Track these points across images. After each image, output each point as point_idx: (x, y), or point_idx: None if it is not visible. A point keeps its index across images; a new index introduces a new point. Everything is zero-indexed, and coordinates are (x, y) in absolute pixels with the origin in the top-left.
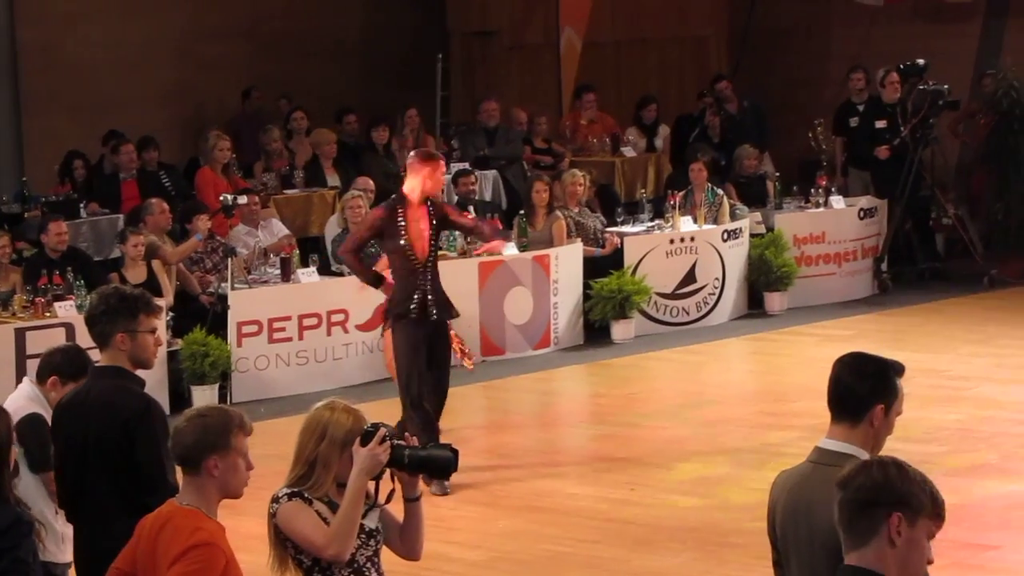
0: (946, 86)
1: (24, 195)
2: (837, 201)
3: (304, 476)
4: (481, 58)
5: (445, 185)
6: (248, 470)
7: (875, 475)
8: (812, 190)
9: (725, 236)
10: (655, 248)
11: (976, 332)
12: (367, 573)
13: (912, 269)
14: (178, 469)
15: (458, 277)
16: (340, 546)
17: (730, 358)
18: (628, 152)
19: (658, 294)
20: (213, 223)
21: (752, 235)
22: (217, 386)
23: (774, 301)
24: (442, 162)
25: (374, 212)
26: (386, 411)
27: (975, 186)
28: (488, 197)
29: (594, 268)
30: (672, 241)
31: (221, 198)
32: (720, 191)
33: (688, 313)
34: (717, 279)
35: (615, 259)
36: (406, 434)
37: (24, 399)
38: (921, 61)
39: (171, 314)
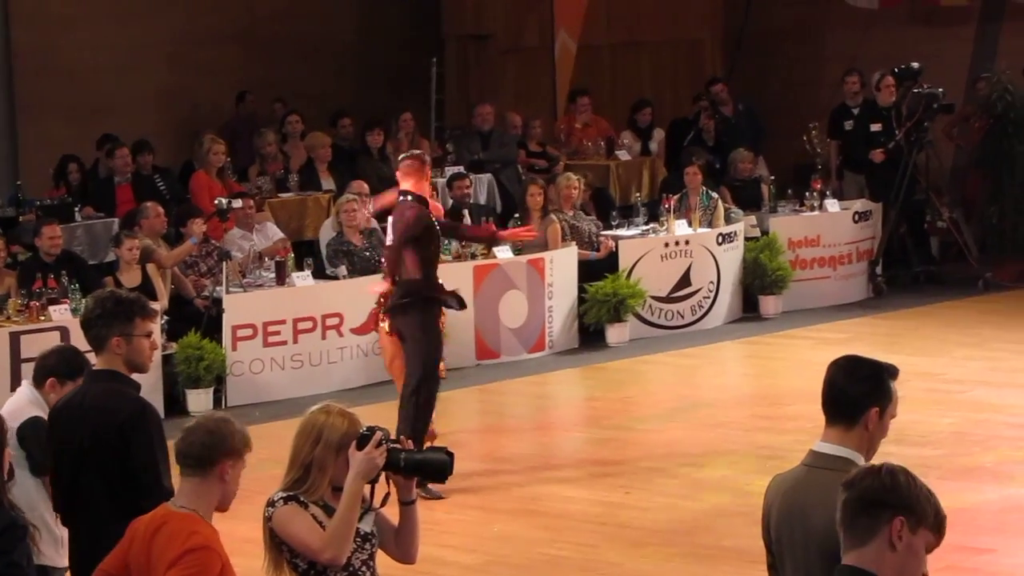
0: (940, 89)
1: (19, 199)
2: (832, 204)
3: (299, 480)
4: (476, 61)
5: (441, 188)
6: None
7: (884, 478)
8: (807, 193)
9: (720, 239)
10: (650, 251)
11: (971, 335)
12: None
13: (907, 272)
14: (174, 473)
15: (453, 280)
16: (337, 550)
17: (725, 361)
18: (623, 155)
19: (653, 297)
20: (208, 227)
21: (747, 238)
22: (212, 390)
23: (769, 304)
24: None
25: (418, 210)
26: (381, 414)
27: (970, 189)
28: (483, 201)
29: (589, 271)
30: (667, 244)
31: (216, 202)
32: (715, 194)
33: (683, 316)
34: (712, 282)
35: (610, 262)
36: (401, 437)
37: (25, 402)
38: (916, 64)
39: (166, 318)
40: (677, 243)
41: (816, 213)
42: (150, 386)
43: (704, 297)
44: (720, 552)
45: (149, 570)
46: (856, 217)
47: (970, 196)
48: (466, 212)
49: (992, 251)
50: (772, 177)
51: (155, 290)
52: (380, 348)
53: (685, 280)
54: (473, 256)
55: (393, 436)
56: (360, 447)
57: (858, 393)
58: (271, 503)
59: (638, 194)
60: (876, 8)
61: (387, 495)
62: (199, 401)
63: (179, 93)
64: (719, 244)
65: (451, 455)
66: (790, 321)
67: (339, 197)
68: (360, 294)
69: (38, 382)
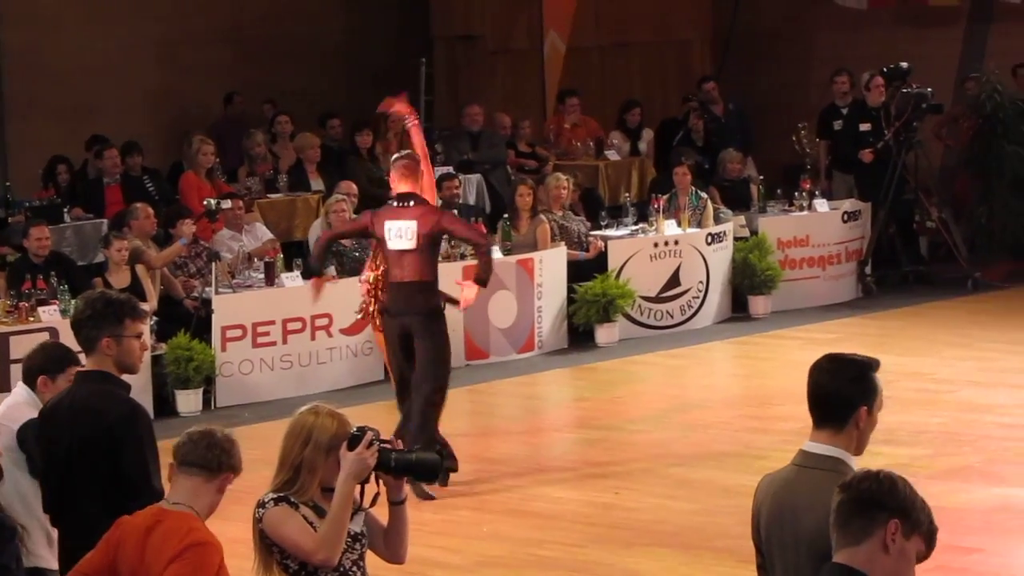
0: (929, 89)
1: (8, 200)
2: (821, 204)
3: (289, 481)
4: (465, 62)
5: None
6: None
7: (882, 481)
8: (796, 193)
9: (709, 239)
10: (639, 252)
11: (960, 335)
12: None
13: (896, 272)
14: (165, 474)
15: (442, 281)
16: (330, 551)
17: (714, 362)
18: (612, 156)
19: (642, 298)
20: (197, 227)
21: (736, 239)
22: (201, 391)
23: (758, 304)
24: None
25: (445, 212)
26: (371, 415)
27: (958, 189)
28: (472, 201)
29: (578, 272)
30: (656, 245)
31: (205, 202)
32: (704, 195)
33: (672, 317)
34: (701, 282)
35: (599, 263)
36: (392, 438)
37: (23, 405)
38: (905, 64)
39: (155, 318)
40: (666, 243)
41: (805, 213)
42: (139, 387)
43: (693, 297)
44: (710, 552)
45: (143, 569)
46: (845, 217)
47: (959, 196)
48: (455, 212)
49: (981, 251)
50: (761, 177)
51: (144, 291)
52: (379, 346)
53: (674, 280)
54: (463, 256)
55: (409, 438)
56: (351, 447)
57: (846, 395)
58: (261, 504)
59: (627, 194)
60: (865, 8)
61: (376, 495)
62: (188, 402)
63: (168, 94)
64: (708, 244)
65: (442, 455)
66: (779, 321)
67: (328, 198)
68: (352, 293)
69: (30, 383)
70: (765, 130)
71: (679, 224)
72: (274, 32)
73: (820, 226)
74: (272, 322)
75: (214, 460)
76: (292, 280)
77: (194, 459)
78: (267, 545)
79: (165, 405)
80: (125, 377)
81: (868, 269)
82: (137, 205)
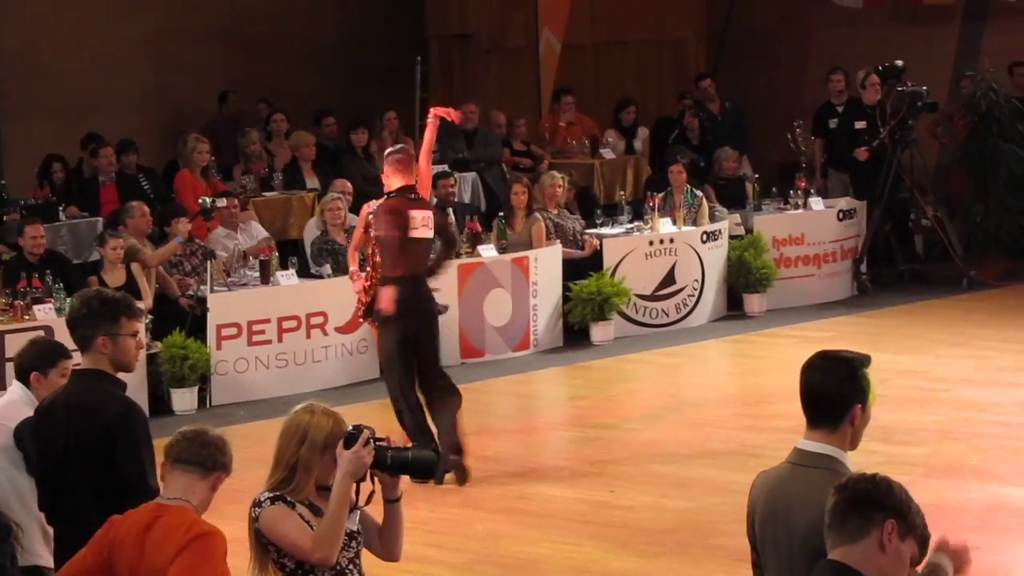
0: (925, 88)
1: (3, 198)
2: (816, 203)
3: (285, 480)
4: (460, 61)
5: None
6: None
7: (879, 483)
8: (791, 191)
9: (704, 238)
10: (634, 250)
11: (955, 334)
12: (349, 575)
13: (891, 271)
14: (160, 472)
15: (437, 278)
16: (328, 549)
17: (709, 360)
18: (607, 154)
19: (637, 296)
20: (192, 226)
21: (731, 237)
22: (196, 389)
23: (753, 303)
24: None
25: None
26: (365, 414)
27: (954, 188)
28: (467, 199)
29: (573, 270)
30: (651, 243)
31: (200, 201)
32: (699, 193)
33: (667, 315)
34: (696, 281)
35: (594, 261)
36: (388, 436)
37: (19, 402)
38: (900, 63)
39: (150, 317)
40: (662, 241)
41: (800, 211)
42: (135, 385)
43: (688, 295)
44: (705, 550)
45: (144, 565)
46: (840, 215)
47: (954, 194)
48: (450, 211)
49: (976, 249)
50: (756, 175)
51: (139, 289)
52: (375, 340)
53: (670, 278)
54: (458, 255)
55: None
56: (348, 446)
57: (839, 395)
58: (257, 503)
59: (622, 193)
60: (860, 7)
61: (372, 493)
62: (184, 400)
63: (163, 93)
64: (703, 242)
65: (438, 453)
66: (774, 319)
67: (323, 196)
68: (346, 292)
69: (23, 380)
70: (760, 128)
71: (674, 222)
72: (269, 30)
73: (815, 224)
74: (267, 320)
75: (208, 458)
76: (287, 278)
77: (188, 457)
78: (263, 544)
79: (160, 403)
80: (121, 375)
81: (863, 267)
82: (132, 203)
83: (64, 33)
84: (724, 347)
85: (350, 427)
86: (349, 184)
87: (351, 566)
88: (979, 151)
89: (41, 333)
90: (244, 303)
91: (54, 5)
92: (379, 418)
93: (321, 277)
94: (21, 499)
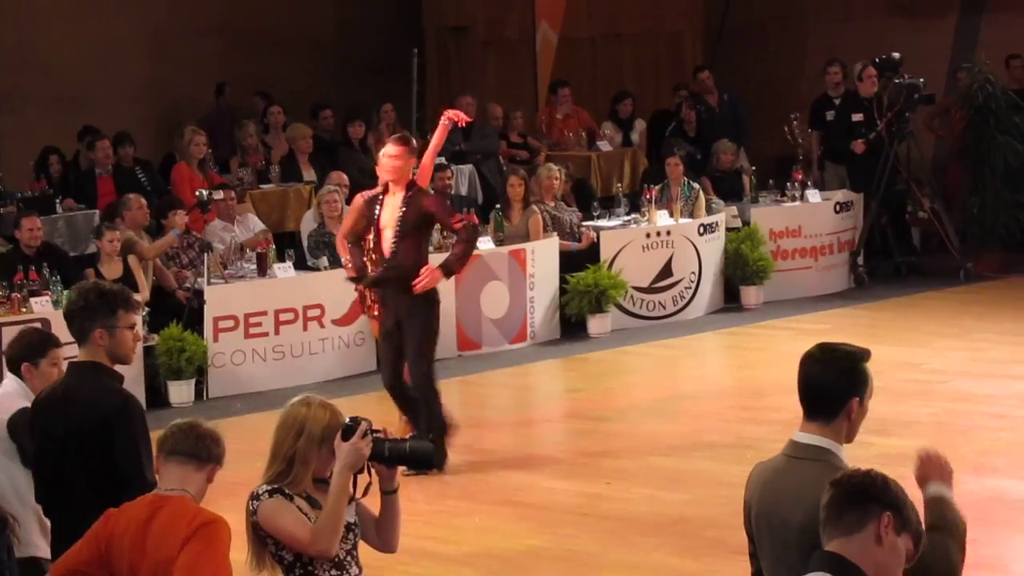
0: (921, 80)
1: (0, 191)
2: (813, 195)
3: (282, 473)
4: (456, 53)
5: None
6: None
7: (875, 477)
8: (788, 184)
9: (701, 230)
10: (631, 242)
11: (952, 326)
12: (348, 567)
13: (888, 263)
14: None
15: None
16: (328, 542)
17: (706, 352)
18: (604, 147)
19: (634, 288)
20: (189, 218)
21: (728, 229)
22: (193, 381)
23: (750, 295)
24: None
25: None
26: (361, 406)
27: (950, 180)
28: (464, 192)
29: (570, 262)
30: (648, 235)
31: (197, 193)
32: (696, 185)
33: (664, 307)
34: (693, 273)
35: (591, 253)
36: (384, 428)
37: (13, 394)
38: (897, 55)
39: (147, 309)
40: (658, 234)
41: (797, 204)
42: (131, 378)
43: (685, 288)
44: (702, 543)
45: (145, 558)
46: (837, 208)
47: (951, 187)
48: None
49: (973, 242)
50: (753, 168)
51: (136, 282)
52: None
53: (666, 271)
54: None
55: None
56: (346, 438)
57: (838, 388)
58: (255, 496)
59: (619, 185)
60: None
61: (369, 485)
62: (181, 393)
63: (160, 85)
64: (700, 235)
65: (434, 444)
66: (771, 311)
67: (320, 189)
68: (343, 285)
69: (15, 370)
70: (757, 121)
71: (671, 215)
72: (265, 23)
73: (812, 217)
74: (264, 313)
75: (204, 450)
76: (284, 271)
77: (184, 448)
78: (261, 537)
79: (157, 396)
80: (118, 368)
81: (860, 260)
82: (129, 196)
83: (60, 26)
84: (721, 339)
85: (347, 419)
86: (345, 177)
87: (348, 557)
88: (976, 143)
89: (38, 326)
90: (241, 295)
91: None
92: (376, 410)
93: (318, 269)
94: (17, 491)
